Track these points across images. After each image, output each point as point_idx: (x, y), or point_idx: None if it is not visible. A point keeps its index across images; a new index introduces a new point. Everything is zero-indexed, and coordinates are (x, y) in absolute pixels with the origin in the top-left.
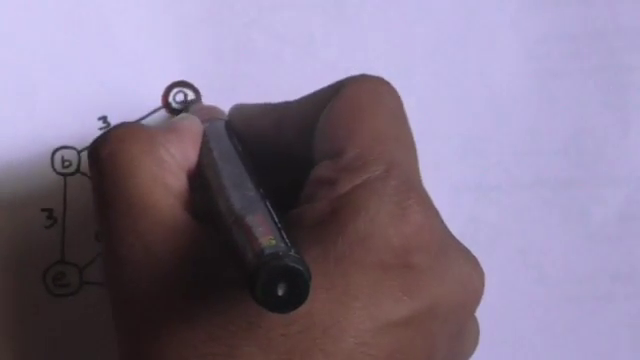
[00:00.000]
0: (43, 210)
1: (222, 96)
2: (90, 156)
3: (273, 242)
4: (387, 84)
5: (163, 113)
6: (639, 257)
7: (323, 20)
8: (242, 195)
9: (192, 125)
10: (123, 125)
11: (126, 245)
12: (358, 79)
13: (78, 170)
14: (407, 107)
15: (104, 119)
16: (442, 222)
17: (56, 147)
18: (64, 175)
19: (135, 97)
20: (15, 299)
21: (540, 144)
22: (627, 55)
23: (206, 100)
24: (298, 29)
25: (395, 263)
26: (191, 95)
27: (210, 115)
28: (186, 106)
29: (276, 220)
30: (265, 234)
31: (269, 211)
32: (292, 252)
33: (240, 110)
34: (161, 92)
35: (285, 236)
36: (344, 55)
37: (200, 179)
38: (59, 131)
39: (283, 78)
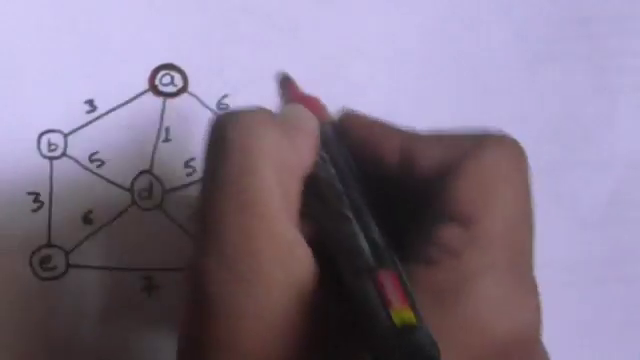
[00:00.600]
0: (29, 194)
1: (209, 79)
2: (213, 132)
3: (409, 315)
4: (522, 149)
5: (150, 96)
6: (628, 241)
7: (310, 5)
8: (370, 238)
9: (311, 127)
10: (255, 110)
11: (231, 251)
12: (500, 142)
13: (64, 154)
14: (395, 92)
15: (90, 102)
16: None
17: (42, 131)
18: (50, 159)
19: (122, 80)
20: (1, 282)
21: (528, 129)
22: (614, 40)
23: (193, 83)
24: (285, 14)
25: (499, 352)
26: (178, 78)
27: (318, 113)
28: (281, 82)
29: (405, 280)
30: (399, 299)
31: (398, 265)
32: (427, 331)
33: (353, 119)
34: (148, 75)
35: (418, 308)
36: (331, 40)
37: (313, 190)
38: (45, 115)
39: (269, 62)
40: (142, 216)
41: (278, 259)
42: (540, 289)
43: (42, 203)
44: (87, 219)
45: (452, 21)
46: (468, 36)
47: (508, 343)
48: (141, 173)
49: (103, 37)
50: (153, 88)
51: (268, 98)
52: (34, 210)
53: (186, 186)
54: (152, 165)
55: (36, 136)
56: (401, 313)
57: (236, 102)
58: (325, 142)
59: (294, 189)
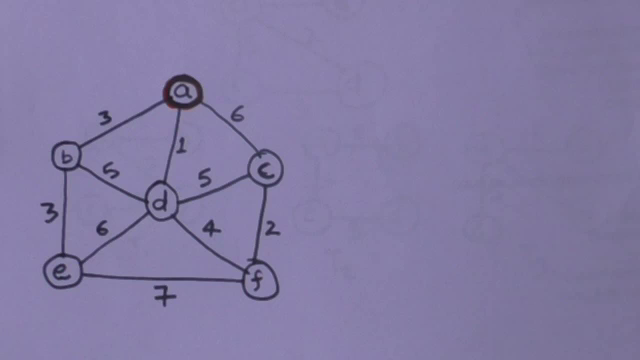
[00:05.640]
0: (43, 205)
1: (224, 91)
2: None
3: None
4: None
5: (165, 107)
6: None
7: (325, 17)
8: None
9: None
10: None
11: None
12: None
13: (79, 164)
14: (410, 104)
15: (105, 114)
16: None
17: (56, 142)
18: (64, 170)
19: (136, 91)
20: (15, 291)
21: (543, 141)
22: (630, 53)
23: (208, 94)
24: (300, 25)
25: None
26: (192, 89)
27: None
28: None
29: None
30: None
31: None
32: None
33: None
34: (162, 86)
35: None
36: (345, 52)
37: None
38: (59, 126)
39: (284, 74)
40: (156, 226)
41: None
42: (551, 299)
43: (56, 214)
44: (101, 229)
45: (466, 34)
46: (482, 48)
47: None
48: (155, 184)
49: (118, 48)
50: (168, 99)
51: (283, 110)
52: (48, 220)
53: (201, 197)
54: (166, 176)
55: (50, 147)
56: None
57: (251, 114)
58: None
59: None
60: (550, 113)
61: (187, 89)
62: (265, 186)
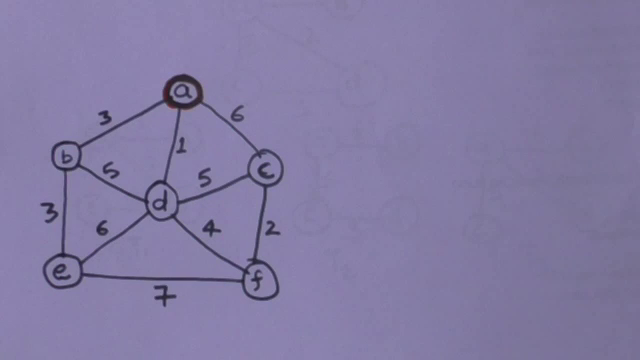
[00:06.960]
0: (43, 204)
1: (223, 91)
2: None
3: None
4: None
5: (165, 107)
6: None
7: (324, 17)
8: None
9: None
10: None
11: None
12: None
13: (79, 164)
14: (410, 104)
15: (105, 114)
16: None
17: (56, 142)
18: (64, 170)
19: (136, 91)
20: (15, 291)
21: (543, 140)
22: (630, 52)
23: (207, 94)
24: (300, 25)
25: None
26: (192, 89)
27: None
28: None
29: None
30: None
31: None
32: None
33: None
34: (162, 86)
35: None
36: (345, 52)
37: None
38: (59, 126)
39: (284, 73)
40: (156, 226)
41: None
42: (551, 299)
43: (56, 213)
44: (101, 229)
45: (466, 34)
46: (482, 48)
47: None
48: (155, 183)
49: (118, 48)
50: (168, 99)
51: (283, 110)
52: (48, 220)
53: (201, 197)
54: (166, 176)
55: (50, 147)
56: None
57: (251, 114)
58: None
59: None
60: (550, 113)
61: (187, 89)
62: (265, 186)
